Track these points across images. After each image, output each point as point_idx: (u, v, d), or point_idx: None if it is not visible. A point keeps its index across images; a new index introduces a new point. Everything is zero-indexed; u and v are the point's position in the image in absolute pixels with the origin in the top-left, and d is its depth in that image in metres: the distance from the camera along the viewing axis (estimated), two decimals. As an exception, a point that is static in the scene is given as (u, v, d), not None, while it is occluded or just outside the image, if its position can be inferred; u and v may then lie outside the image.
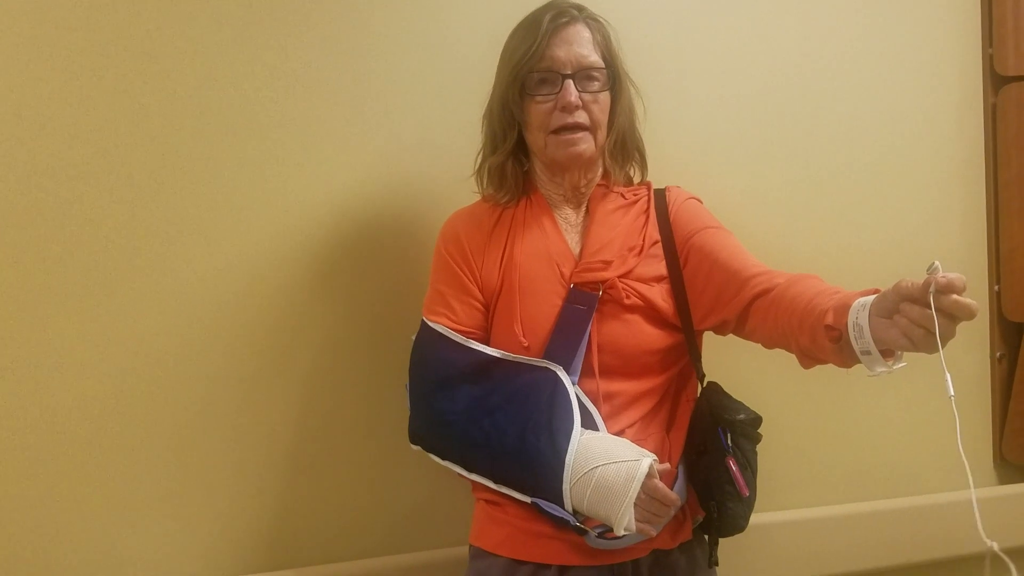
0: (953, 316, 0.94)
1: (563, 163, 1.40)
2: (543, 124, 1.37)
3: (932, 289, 0.93)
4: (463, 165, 1.51)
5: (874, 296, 1.03)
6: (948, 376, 0.93)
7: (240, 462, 1.57)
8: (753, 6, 1.91)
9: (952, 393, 0.94)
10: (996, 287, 2.09)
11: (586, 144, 1.37)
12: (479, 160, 1.48)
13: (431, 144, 1.67)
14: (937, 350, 0.95)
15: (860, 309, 1.03)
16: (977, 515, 0.87)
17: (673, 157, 1.75)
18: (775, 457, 1.72)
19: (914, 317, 0.96)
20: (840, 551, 1.90)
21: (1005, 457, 2.09)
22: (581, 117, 1.35)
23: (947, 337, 0.95)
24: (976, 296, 2.04)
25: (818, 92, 1.96)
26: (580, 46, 1.35)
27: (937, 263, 0.94)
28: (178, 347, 1.53)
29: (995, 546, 0.86)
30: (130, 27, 1.50)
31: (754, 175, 1.90)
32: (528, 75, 1.36)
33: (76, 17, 1.47)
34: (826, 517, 1.91)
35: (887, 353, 1.03)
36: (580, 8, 1.39)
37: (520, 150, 1.46)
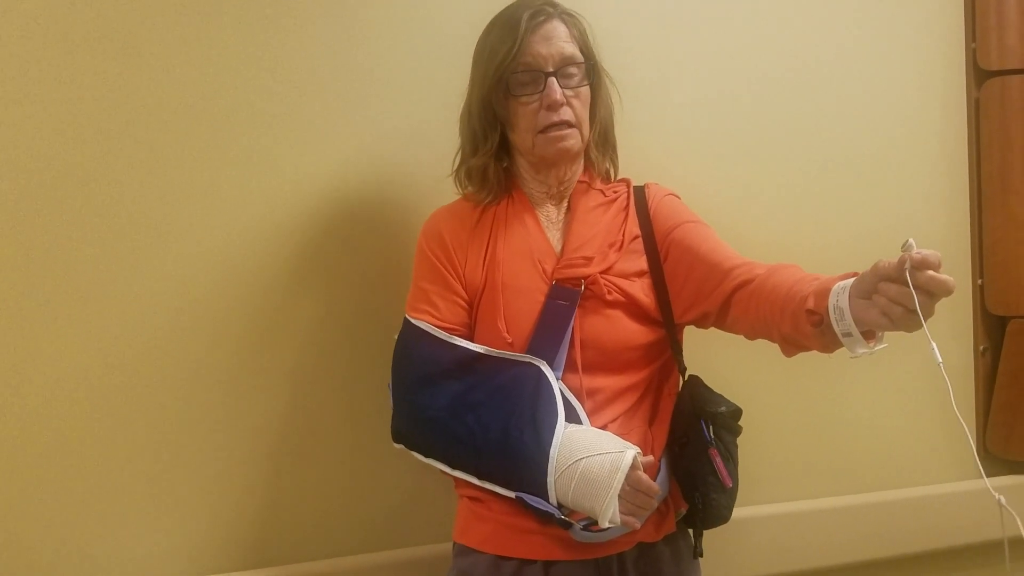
0: (930, 292, 0.96)
1: (551, 159, 1.40)
2: (530, 125, 1.37)
3: (907, 266, 0.94)
4: (446, 160, 1.51)
5: (853, 279, 1.05)
6: (934, 344, 0.95)
7: (221, 460, 1.57)
8: (735, 4, 1.91)
9: (940, 360, 0.96)
10: (979, 281, 2.10)
11: (573, 140, 1.38)
12: (457, 162, 1.48)
13: (414, 139, 1.67)
14: (916, 328, 0.97)
15: (840, 292, 1.05)
16: (978, 464, 0.93)
17: (654, 154, 1.77)
18: (757, 451, 1.73)
19: (892, 295, 0.97)
20: (822, 545, 1.91)
21: (989, 450, 2.10)
22: (567, 114, 1.36)
23: (927, 313, 0.97)
24: (959, 290, 2.07)
25: (801, 87, 1.96)
26: (559, 40, 1.36)
27: (911, 240, 0.96)
28: (156, 345, 1.53)
29: (1002, 500, 0.88)
30: (111, 21, 1.49)
31: (735, 171, 1.90)
32: (512, 75, 1.36)
33: (62, 7, 1.46)
34: (807, 511, 1.92)
35: (868, 335, 1.05)
36: (554, 4, 1.40)
37: (500, 149, 1.45)
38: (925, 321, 0.96)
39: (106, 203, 1.49)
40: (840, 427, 1.98)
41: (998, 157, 2.08)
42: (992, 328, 2.12)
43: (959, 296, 2.08)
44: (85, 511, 1.49)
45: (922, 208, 2.06)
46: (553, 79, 1.34)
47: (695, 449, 1.37)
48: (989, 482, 0.93)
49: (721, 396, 1.41)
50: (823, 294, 1.08)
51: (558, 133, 1.36)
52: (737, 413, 1.40)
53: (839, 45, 1.99)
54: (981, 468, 0.89)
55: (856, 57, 2.01)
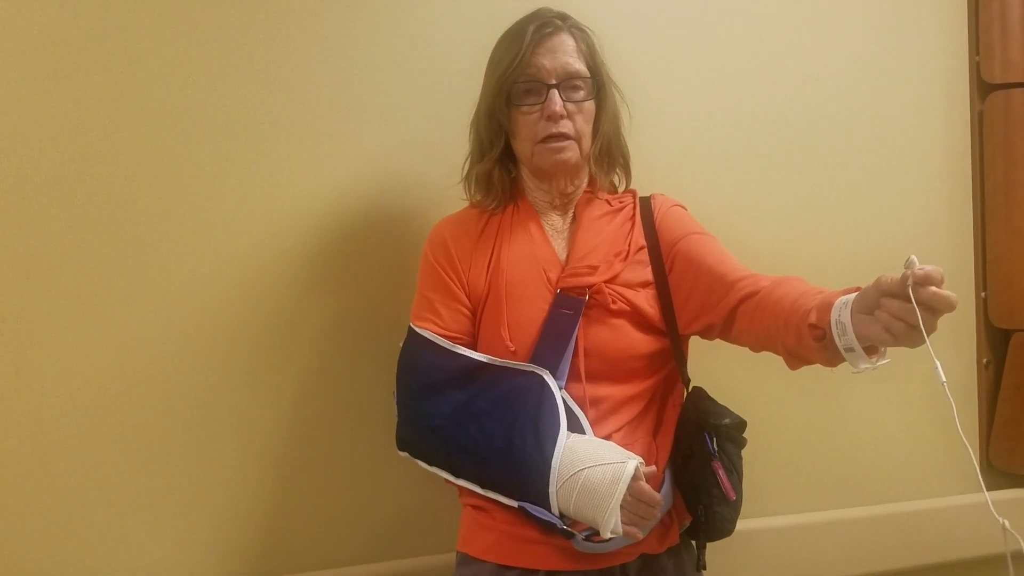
0: (933, 308, 0.95)
1: (549, 171, 1.41)
2: (530, 134, 1.38)
3: (910, 282, 0.94)
4: (453, 167, 1.52)
5: (855, 293, 1.04)
6: (938, 363, 0.95)
7: (225, 469, 1.56)
8: (740, 16, 1.92)
9: (944, 379, 0.96)
10: (983, 293, 2.10)
11: (571, 152, 1.38)
12: (466, 167, 1.49)
13: (421, 146, 1.67)
14: (918, 343, 0.96)
15: (842, 307, 1.04)
16: (982, 484, 0.92)
17: (659, 164, 1.76)
18: (761, 463, 1.73)
19: (894, 311, 0.97)
20: (826, 557, 1.90)
21: (992, 463, 2.10)
22: (566, 127, 1.37)
23: (929, 329, 0.96)
24: (963, 302, 2.07)
25: (805, 100, 1.97)
26: (565, 54, 1.37)
27: (914, 257, 0.96)
28: (161, 354, 1.52)
29: (1006, 524, 0.88)
30: (118, 28, 1.50)
31: (741, 184, 1.91)
32: (514, 85, 1.37)
33: (63, 16, 1.47)
34: (811, 523, 1.91)
35: (871, 350, 1.04)
36: (564, 17, 1.41)
37: (507, 157, 1.46)
38: (928, 337, 0.96)
39: (114, 211, 1.49)
40: (844, 440, 1.98)
41: (1001, 170, 2.08)
42: (995, 341, 2.12)
43: (962, 309, 2.08)
44: (88, 519, 1.49)
45: (925, 221, 2.06)
46: (555, 91, 1.35)
47: (699, 461, 1.37)
48: (991, 496, 0.93)
49: (725, 408, 1.41)
50: (825, 308, 1.08)
51: (556, 145, 1.37)
52: (742, 425, 1.40)
53: (843, 58, 2.00)
54: (983, 484, 0.89)
55: (860, 70, 2.01)
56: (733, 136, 1.91)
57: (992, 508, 0.88)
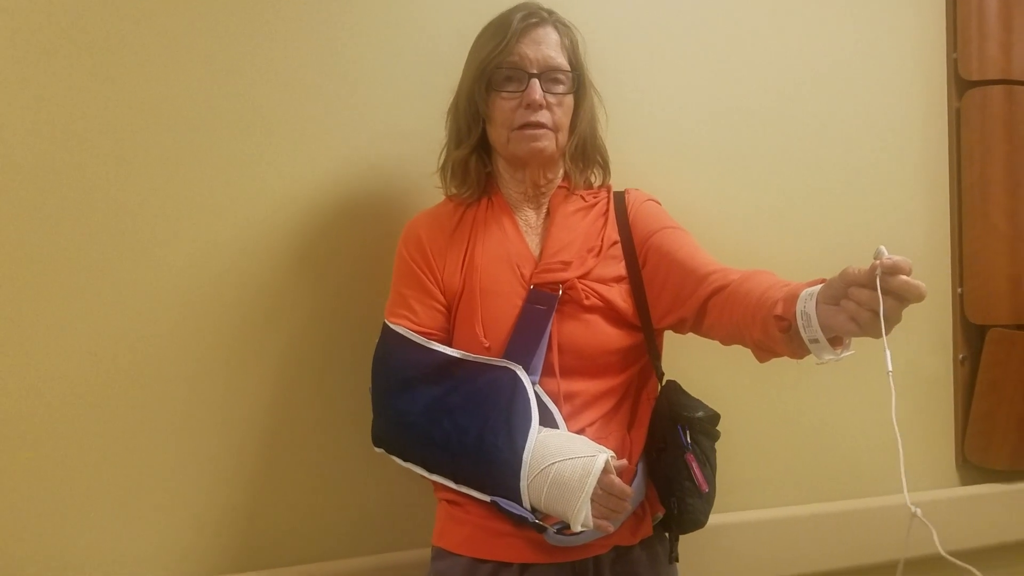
0: (901, 297, 0.96)
1: (523, 159, 1.41)
2: (507, 120, 1.38)
3: (879, 271, 0.95)
4: (430, 162, 1.52)
5: (821, 285, 1.05)
6: (888, 353, 0.95)
7: (200, 465, 1.56)
8: (719, 14, 1.93)
9: (890, 368, 0.95)
10: (959, 290, 2.11)
11: (547, 142, 1.39)
12: (443, 156, 1.49)
13: (399, 144, 1.67)
14: (884, 333, 0.96)
15: (807, 298, 1.05)
16: (903, 474, 0.90)
17: (637, 161, 1.77)
18: (734, 457, 1.73)
19: (862, 300, 0.97)
20: (799, 551, 1.91)
21: (967, 459, 2.11)
22: (544, 117, 1.37)
23: (895, 320, 0.97)
24: (939, 299, 2.08)
25: (783, 97, 1.97)
26: (548, 47, 1.37)
27: (883, 247, 0.96)
28: (136, 350, 1.52)
29: (918, 512, 0.89)
30: (100, 21, 1.49)
31: (718, 180, 1.91)
32: (495, 71, 1.37)
33: (45, 9, 1.46)
34: (785, 517, 1.92)
35: (836, 341, 1.05)
36: (550, 12, 1.42)
37: (483, 148, 1.47)
38: (892, 327, 0.96)
39: (83, 208, 1.49)
40: (817, 434, 1.99)
41: (978, 167, 2.10)
42: (971, 337, 2.13)
43: (939, 305, 2.09)
44: (63, 515, 1.48)
45: (903, 217, 2.08)
46: (536, 80, 1.36)
47: (672, 454, 1.38)
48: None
49: (699, 401, 1.42)
50: (791, 300, 1.09)
51: (532, 132, 1.37)
52: (715, 418, 1.41)
53: (821, 55, 2.01)
54: (905, 484, 0.90)
55: (838, 67, 2.02)
56: (711, 133, 1.91)
57: (907, 498, 0.89)
